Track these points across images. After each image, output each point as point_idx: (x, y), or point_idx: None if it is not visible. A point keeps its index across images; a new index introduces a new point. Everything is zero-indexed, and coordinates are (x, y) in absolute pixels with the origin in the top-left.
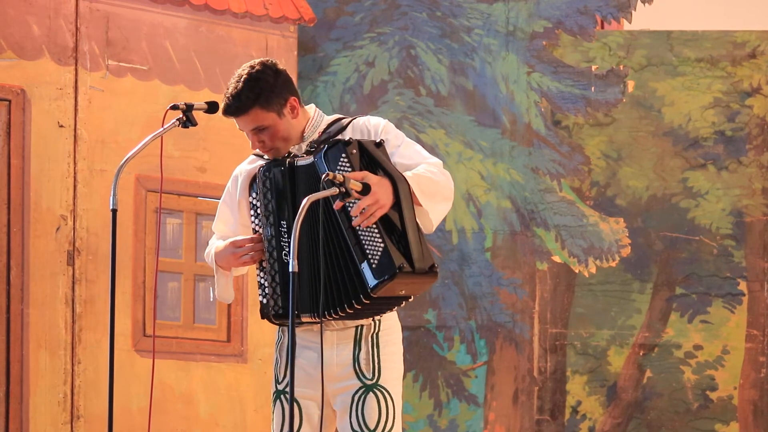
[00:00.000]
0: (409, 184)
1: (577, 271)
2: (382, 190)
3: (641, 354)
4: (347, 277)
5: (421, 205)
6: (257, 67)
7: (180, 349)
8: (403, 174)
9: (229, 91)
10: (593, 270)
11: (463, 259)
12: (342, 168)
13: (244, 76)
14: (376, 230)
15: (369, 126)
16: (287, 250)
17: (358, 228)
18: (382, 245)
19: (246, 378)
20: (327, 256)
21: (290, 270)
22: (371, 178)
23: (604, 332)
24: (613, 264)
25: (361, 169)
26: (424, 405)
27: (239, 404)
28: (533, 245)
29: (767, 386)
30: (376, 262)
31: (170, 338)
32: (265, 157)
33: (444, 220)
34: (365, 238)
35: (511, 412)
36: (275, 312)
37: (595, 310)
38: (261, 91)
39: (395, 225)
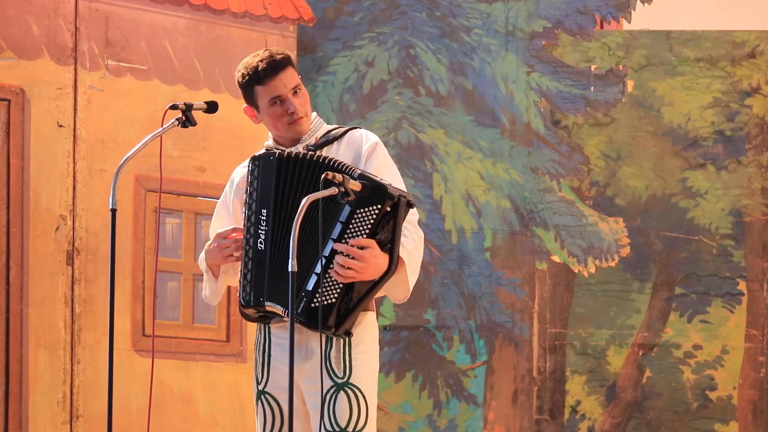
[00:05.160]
0: (396, 270)
1: (576, 270)
2: (375, 267)
3: (641, 354)
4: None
5: (406, 278)
6: (268, 48)
7: (179, 348)
8: (401, 254)
9: (258, 59)
10: (592, 270)
11: (462, 259)
12: (367, 213)
13: (263, 50)
14: (340, 285)
15: (362, 141)
16: (263, 237)
17: (330, 264)
18: (333, 300)
19: (245, 378)
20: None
21: (289, 270)
22: (375, 252)
23: (604, 332)
24: (613, 264)
25: (380, 227)
26: (423, 405)
27: (239, 404)
28: (533, 245)
29: (767, 386)
30: (316, 303)
31: (170, 338)
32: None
33: (443, 219)
34: (328, 280)
35: (510, 411)
36: (244, 301)
37: (595, 310)
38: (288, 54)
39: (355, 294)
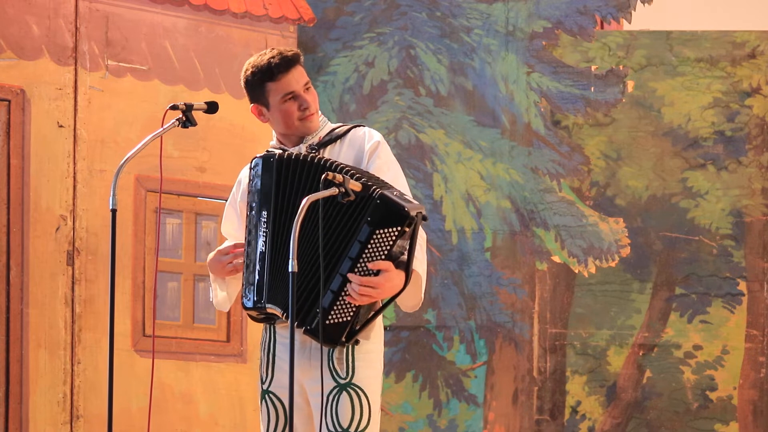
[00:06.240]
0: (409, 283)
1: (576, 271)
2: (391, 289)
3: (641, 354)
4: (303, 296)
5: (420, 290)
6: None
7: (180, 349)
8: (416, 268)
9: (268, 57)
10: (593, 270)
11: (462, 259)
12: (386, 234)
13: (270, 49)
14: (355, 305)
15: (364, 139)
16: (263, 239)
17: (346, 286)
18: (348, 318)
19: (246, 378)
20: (303, 266)
21: (289, 270)
22: (391, 275)
23: (604, 332)
24: (613, 264)
25: (396, 245)
26: (423, 405)
27: (239, 404)
28: (533, 245)
29: (767, 386)
30: (331, 321)
31: (170, 338)
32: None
33: (444, 220)
34: (343, 299)
35: (510, 412)
36: (245, 303)
37: (595, 310)
38: (298, 51)
39: (369, 311)
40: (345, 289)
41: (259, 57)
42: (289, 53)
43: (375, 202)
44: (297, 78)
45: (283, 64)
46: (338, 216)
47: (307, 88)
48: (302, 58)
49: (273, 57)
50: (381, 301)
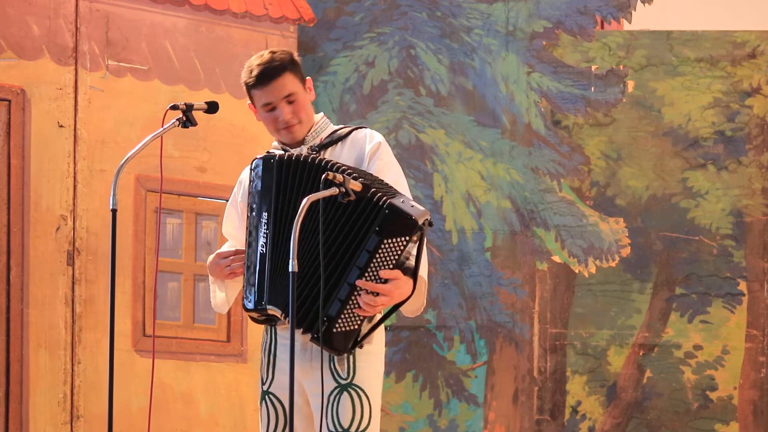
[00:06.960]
0: (415, 288)
1: (576, 271)
2: (399, 296)
3: (641, 354)
4: (309, 301)
5: (423, 296)
6: (274, 49)
7: (180, 349)
8: (421, 274)
9: (256, 62)
10: (593, 270)
11: (462, 259)
12: (395, 243)
13: (268, 51)
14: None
15: (365, 141)
16: (264, 240)
17: (356, 290)
18: (355, 327)
19: (246, 378)
20: (308, 270)
21: (290, 270)
22: (400, 282)
23: (604, 332)
24: (613, 264)
25: (404, 253)
26: (423, 405)
27: (239, 404)
28: (533, 245)
29: (767, 386)
30: (338, 330)
31: (170, 338)
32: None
33: (444, 220)
34: (351, 308)
35: (511, 412)
36: (245, 304)
37: (595, 310)
38: (290, 58)
39: (374, 319)
40: (353, 298)
41: (254, 59)
42: (276, 62)
43: (384, 211)
44: (279, 89)
45: (263, 75)
46: (342, 220)
47: (291, 100)
48: (295, 65)
49: (260, 64)
50: (383, 317)
